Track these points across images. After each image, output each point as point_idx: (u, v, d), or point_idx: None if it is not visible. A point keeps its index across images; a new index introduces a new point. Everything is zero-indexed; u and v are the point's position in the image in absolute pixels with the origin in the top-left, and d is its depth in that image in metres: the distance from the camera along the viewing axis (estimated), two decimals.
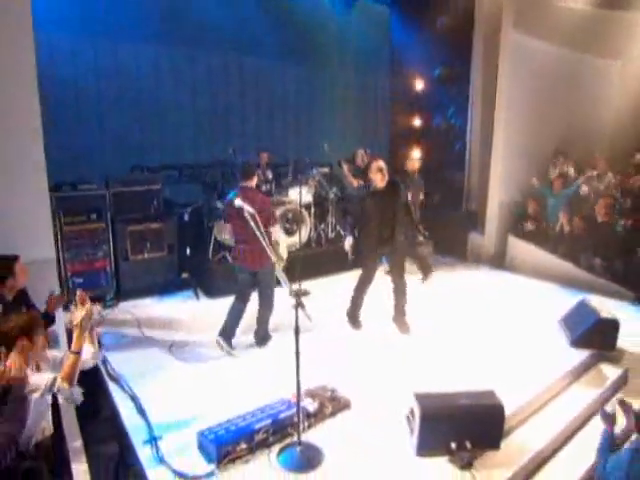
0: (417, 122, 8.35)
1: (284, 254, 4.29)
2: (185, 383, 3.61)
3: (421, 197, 6.57)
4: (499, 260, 6.99)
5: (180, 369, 3.84)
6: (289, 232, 5.79)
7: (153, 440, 2.86)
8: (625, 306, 5.34)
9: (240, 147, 6.79)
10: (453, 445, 2.74)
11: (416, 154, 6.04)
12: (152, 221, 5.35)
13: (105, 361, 3.83)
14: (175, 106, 6.94)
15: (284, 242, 4.47)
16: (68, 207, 4.84)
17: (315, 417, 3.02)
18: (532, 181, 7.03)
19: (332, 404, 3.14)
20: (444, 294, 5.61)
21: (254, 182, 4.11)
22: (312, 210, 6.19)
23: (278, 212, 5.79)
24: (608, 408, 2.35)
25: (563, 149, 7.39)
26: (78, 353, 2.35)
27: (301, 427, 2.83)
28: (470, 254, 7.29)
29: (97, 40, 6.34)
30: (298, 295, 2.66)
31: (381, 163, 4.32)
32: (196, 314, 4.95)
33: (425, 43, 8.02)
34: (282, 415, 2.88)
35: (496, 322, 4.78)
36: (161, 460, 2.71)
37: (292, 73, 8.14)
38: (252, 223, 3.20)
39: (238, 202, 3.43)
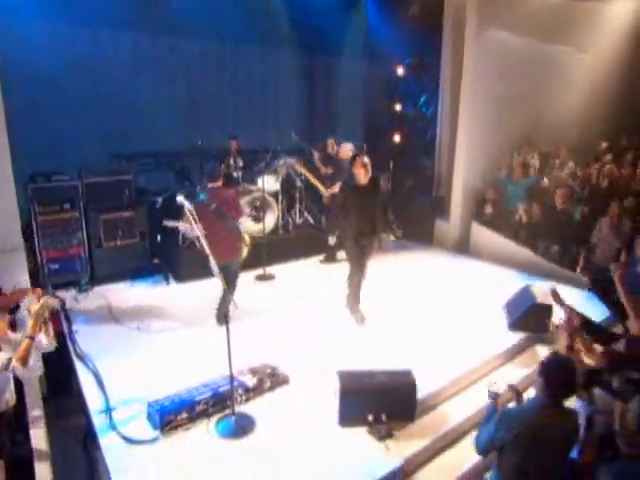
0: (391, 110, 8.57)
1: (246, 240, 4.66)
2: (147, 361, 4.00)
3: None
4: (463, 246, 7.34)
5: (145, 348, 4.23)
6: (256, 219, 6.12)
7: (108, 410, 3.26)
8: (579, 292, 5.61)
9: (218, 134, 7.10)
10: (370, 417, 3.14)
11: (348, 144, 6.28)
12: (124, 210, 5.68)
13: (74, 341, 4.22)
14: (153, 94, 7.16)
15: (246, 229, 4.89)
16: (42, 197, 5.17)
17: (254, 391, 3.42)
18: (499, 169, 7.33)
19: (271, 380, 3.54)
20: (401, 279, 5.96)
21: (219, 182, 4.48)
22: (280, 198, 6.51)
23: (245, 199, 6.13)
24: (492, 387, 2.72)
25: (528, 138, 7.67)
26: (32, 338, 2.72)
27: (238, 400, 3.24)
28: (436, 240, 7.64)
29: (75, 27, 6.50)
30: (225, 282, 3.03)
31: (365, 159, 4.48)
32: (166, 298, 5.33)
33: (399, 31, 8.19)
34: (222, 389, 3.28)
35: (447, 306, 5.14)
36: (113, 427, 3.12)
37: (271, 60, 8.32)
38: (191, 218, 3.53)
39: (179, 198, 3.74)
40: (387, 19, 8.40)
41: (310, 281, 5.82)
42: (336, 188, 5.89)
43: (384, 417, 3.14)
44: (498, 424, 2.37)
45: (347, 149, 6.19)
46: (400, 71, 8.37)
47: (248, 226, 5.96)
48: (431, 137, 8.17)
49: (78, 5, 6.32)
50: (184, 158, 7.04)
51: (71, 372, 4.03)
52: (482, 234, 7.09)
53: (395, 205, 8.22)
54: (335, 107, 8.76)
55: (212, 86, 7.82)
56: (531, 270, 6.24)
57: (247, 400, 3.36)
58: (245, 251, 4.59)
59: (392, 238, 7.38)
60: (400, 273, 6.15)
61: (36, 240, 5.12)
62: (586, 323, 3.31)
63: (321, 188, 6.25)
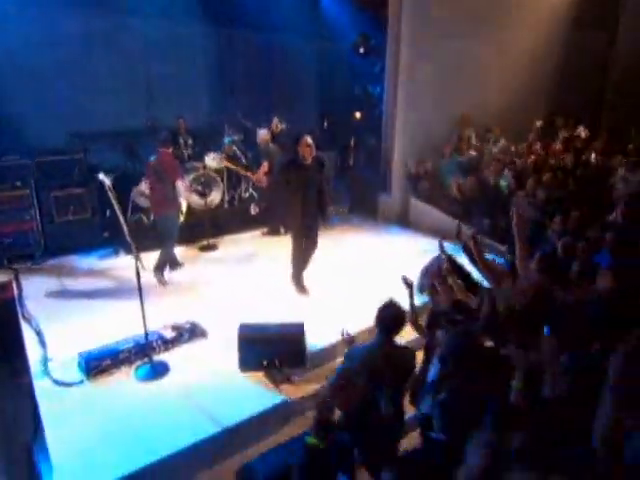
0: (342, 89, 9.01)
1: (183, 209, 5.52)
2: (89, 322, 4.56)
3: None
4: (405, 219, 7.92)
5: (90, 313, 4.78)
6: (201, 194, 6.63)
7: (45, 361, 3.86)
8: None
9: (170, 114, 7.51)
10: (265, 362, 3.77)
11: (263, 130, 6.83)
12: (75, 187, 6.16)
13: (23, 305, 4.76)
14: (109, 73, 7.51)
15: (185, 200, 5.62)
16: None
17: (172, 343, 4.04)
18: (443, 147, 7.88)
19: (189, 333, 4.15)
20: (341, 254, 6.36)
21: (169, 148, 5.27)
22: (225, 174, 7.02)
23: (192, 176, 6.63)
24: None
25: (466, 117, 8.19)
26: None
27: (157, 349, 3.85)
28: (381, 214, 8.20)
29: (25, 7, 6.76)
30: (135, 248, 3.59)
31: (309, 140, 4.87)
32: (115, 269, 5.87)
33: (350, 10, 8.56)
34: (143, 341, 3.88)
35: (370, 276, 5.60)
36: (47, 374, 3.72)
37: (224, 41, 8.65)
38: (110, 194, 4.06)
39: (100, 176, 4.26)
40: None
41: (249, 252, 6.39)
42: (263, 170, 6.46)
43: (277, 362, 3.76)
44: (345, 358, 3.00)
45: (262, 135, 6.72)
46: (351, 51, 8.77)
47: (193, 200, 6.52)
48: (379, 115, 8.64)
49: None
50: (138, 137, 7.46)
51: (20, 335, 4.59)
52: (419, 208, 7.68)
53: (347, 181, 8.84)
54: (288, 87, 9.12)
55: (167, 67, 8.14)
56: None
57: (166, 350, 3.98)
58: (180, 216, 5.35)
59: (336, 213, 7.91)
60: (340, 249, 6.58)
61: None
62: (459, 269, 3.94)
63: (248, 174, 6.80)
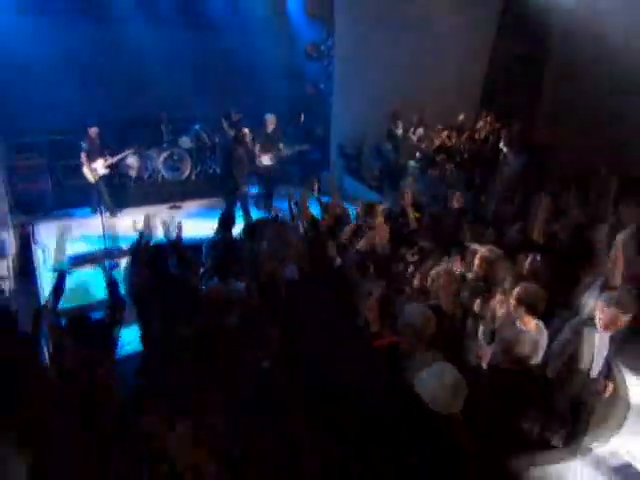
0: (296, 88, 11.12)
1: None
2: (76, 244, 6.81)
3: None
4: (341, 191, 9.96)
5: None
6: (174, 169, 8.87)
7: (47, 261, 6.11)
8: None
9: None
10: None
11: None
12: (78, 159, 8.44)
13: (35, 235, 7.05)
14: (108, 71, 9.67)
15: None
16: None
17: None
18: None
19: None
20: None
21: None
22: (194, 154, 9.25)
23: (165, 154, 8.86)
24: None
25: (397, 112, 10.14)
26: None
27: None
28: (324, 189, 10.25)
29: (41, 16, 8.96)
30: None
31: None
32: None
33: (306, 22, 10.62)
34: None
35: None
36: (48, 267, 5.95)
37: (202, 44, 10.64)
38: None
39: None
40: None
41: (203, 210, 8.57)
42: None
43: None
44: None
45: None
46: (308, 54, 10.86)
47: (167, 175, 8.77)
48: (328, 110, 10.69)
49: None
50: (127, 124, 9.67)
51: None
52: (351, 183, 9.73)
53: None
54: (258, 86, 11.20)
55: (155, 66, 10.23)
56: None
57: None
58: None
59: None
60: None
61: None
62: None
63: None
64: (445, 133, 9.43)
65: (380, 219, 4.67)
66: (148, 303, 3.57)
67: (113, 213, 8.18)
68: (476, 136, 9.58)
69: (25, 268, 6.30)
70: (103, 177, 8.03)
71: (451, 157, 8.59)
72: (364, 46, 9.37)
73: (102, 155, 7.99)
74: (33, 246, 6.89)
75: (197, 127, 9.35)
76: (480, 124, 9.80)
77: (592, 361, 3.32)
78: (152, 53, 9.90)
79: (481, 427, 2.52)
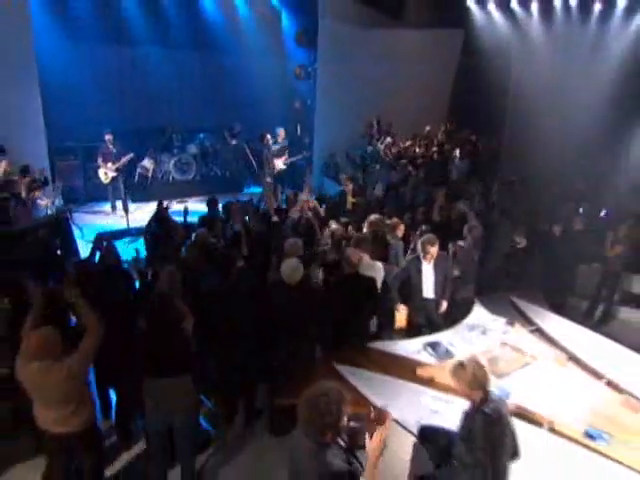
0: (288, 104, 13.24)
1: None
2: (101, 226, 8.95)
3: None
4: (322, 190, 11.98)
5: (102, 224, 9.19)
6: (183, 171, 11.05)
7: (82, 237, 8.25)
8: None
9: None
10: None
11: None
12: None
13: (72, 219, 9.22)
14: (125, 88, 11.92)
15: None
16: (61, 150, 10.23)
17: None
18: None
19: None
20: None
21: None
22: (199, 159, 11.43)
23: (175, 158, 11.05)
24: None
25: (370, 122, 12.16)
26: None
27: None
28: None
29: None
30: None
31: None
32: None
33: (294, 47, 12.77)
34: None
35: None
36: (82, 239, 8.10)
37: (196, 61, 12.73)
38: None
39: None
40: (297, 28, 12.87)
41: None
42: None
43: None
44: None
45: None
46: (299, 74, 12.98)
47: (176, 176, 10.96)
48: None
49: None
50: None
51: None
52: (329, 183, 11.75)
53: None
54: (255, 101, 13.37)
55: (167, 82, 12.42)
56: None
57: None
58: None
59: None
60: None
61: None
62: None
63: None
64: (409, 142, 11.40)
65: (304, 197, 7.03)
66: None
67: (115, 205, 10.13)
68: (435, 143, 11.54)
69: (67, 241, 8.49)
70: (115, 178, 9.81)
71: (410, 162, 10.52)
72: (343, 68, 11.47)
73: (114, 158, 9.69)
74: (72, 225, 9.08)
75: (201, 136, 11.54)
76: (439, 134, 11.76)
77: (422, 282, 5.22)
78: (165, 73, 12.20)
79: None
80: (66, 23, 10.47)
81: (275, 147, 10.49)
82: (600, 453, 3.38)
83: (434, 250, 5.00)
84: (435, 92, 12.89)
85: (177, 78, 12.47)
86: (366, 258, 4.87)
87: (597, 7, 11.24)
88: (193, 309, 3.95)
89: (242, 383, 4.47)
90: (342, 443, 2.57)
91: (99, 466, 3.79)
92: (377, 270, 4.98)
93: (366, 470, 2.51)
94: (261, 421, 4.69)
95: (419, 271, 5.12)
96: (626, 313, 7.65)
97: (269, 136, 10.31)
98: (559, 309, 6.56)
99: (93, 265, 5.31)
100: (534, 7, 11.86)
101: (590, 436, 3.45)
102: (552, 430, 3.55)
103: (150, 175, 11.10)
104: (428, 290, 5.19)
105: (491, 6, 12.22)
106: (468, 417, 2.81)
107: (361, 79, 11.59)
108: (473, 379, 2.79)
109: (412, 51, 12.08)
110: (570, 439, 3.49)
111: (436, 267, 5.13)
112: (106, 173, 9.78)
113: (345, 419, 2.42)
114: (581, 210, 7.96)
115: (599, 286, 7.43)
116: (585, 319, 6.93)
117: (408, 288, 5.23)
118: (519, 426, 3.56)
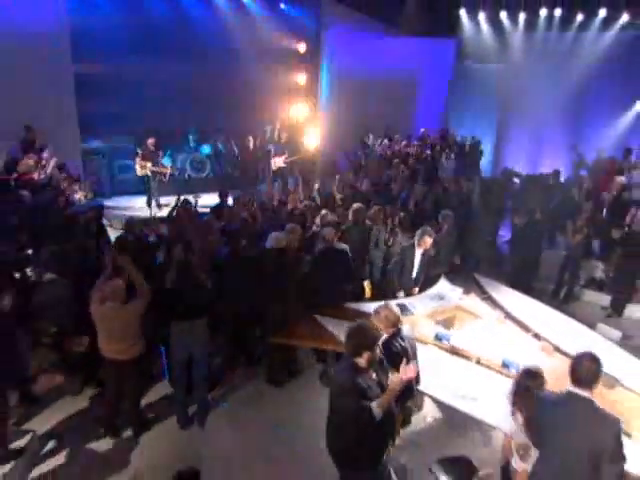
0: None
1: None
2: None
3: None
4: None
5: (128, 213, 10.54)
6: (197, 169, 12.39)
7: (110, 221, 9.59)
8: None
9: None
10: None
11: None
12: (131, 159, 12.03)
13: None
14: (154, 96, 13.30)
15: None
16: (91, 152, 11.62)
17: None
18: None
19: None
20: None
21: None
22: (212, 158, 12.76)
23: (190, 158, 12.37)
24: None
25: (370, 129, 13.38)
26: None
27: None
28: None
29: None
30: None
31: None
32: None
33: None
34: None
35: None
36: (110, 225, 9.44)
37: (211, 75, 14.10)
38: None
39: None
40: None
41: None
42: None
43: None
44: None
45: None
46: None
47: (191, 174, 12.29)
48: None
49: None
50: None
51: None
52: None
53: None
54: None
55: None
56: None
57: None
58: None
59: None
60: None
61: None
62: None
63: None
64: (404, 143, 12.59)
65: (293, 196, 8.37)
66: None
67: (151, 200, 11.52)
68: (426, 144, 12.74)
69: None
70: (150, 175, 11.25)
71: (403, 161, 11.71)
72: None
73: (154, 159, 11.20)
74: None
75: (214, 139, 12.86)
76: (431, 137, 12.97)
77: (413, 267, 6.43)
78: (181, 80, 13.48)
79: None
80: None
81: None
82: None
83: (430, 240, 6.23)
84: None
85: (193, 88, 13.75)
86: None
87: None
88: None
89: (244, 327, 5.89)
90: (374, 376, 3.38)
91: (140, 391, 5.10)
92: (345, 247, 6.28)
93: (383, 398, 3.25)
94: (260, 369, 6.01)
95: (413, 257, 6.35)
96: (589, 296, 8.83)
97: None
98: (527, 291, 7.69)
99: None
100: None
101: (506, 365, 4.63)
102: (478, 362, 4.75)
103: (169, 173, 12.42)
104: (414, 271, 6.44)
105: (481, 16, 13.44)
106: (385, 344, 3.81)
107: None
108: (386, 320, 3.92)
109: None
110: (491, 368, 4.68)
111: (423, 253, 6.37)
112: (142, 167, 11.03)
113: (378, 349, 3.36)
114: None
115: (561, 270, 8.57)
116: (551, 300, 8.07)
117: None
118: (454, 361, 4.79)
